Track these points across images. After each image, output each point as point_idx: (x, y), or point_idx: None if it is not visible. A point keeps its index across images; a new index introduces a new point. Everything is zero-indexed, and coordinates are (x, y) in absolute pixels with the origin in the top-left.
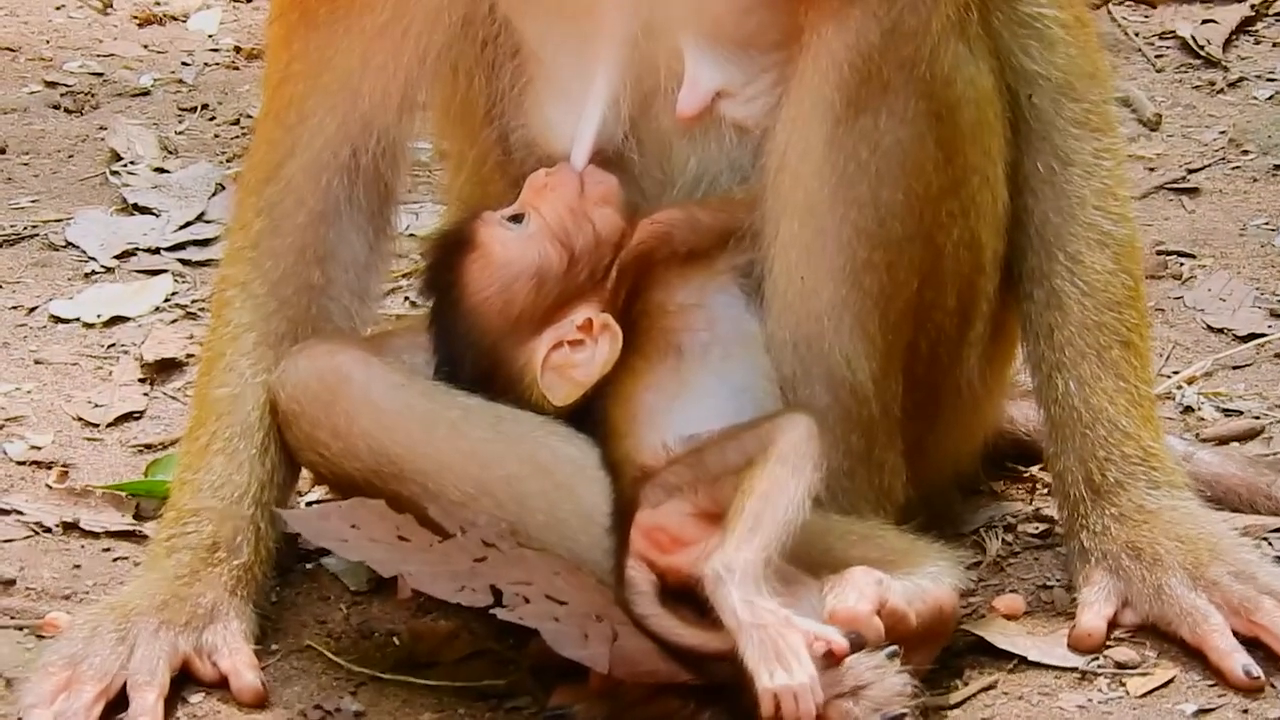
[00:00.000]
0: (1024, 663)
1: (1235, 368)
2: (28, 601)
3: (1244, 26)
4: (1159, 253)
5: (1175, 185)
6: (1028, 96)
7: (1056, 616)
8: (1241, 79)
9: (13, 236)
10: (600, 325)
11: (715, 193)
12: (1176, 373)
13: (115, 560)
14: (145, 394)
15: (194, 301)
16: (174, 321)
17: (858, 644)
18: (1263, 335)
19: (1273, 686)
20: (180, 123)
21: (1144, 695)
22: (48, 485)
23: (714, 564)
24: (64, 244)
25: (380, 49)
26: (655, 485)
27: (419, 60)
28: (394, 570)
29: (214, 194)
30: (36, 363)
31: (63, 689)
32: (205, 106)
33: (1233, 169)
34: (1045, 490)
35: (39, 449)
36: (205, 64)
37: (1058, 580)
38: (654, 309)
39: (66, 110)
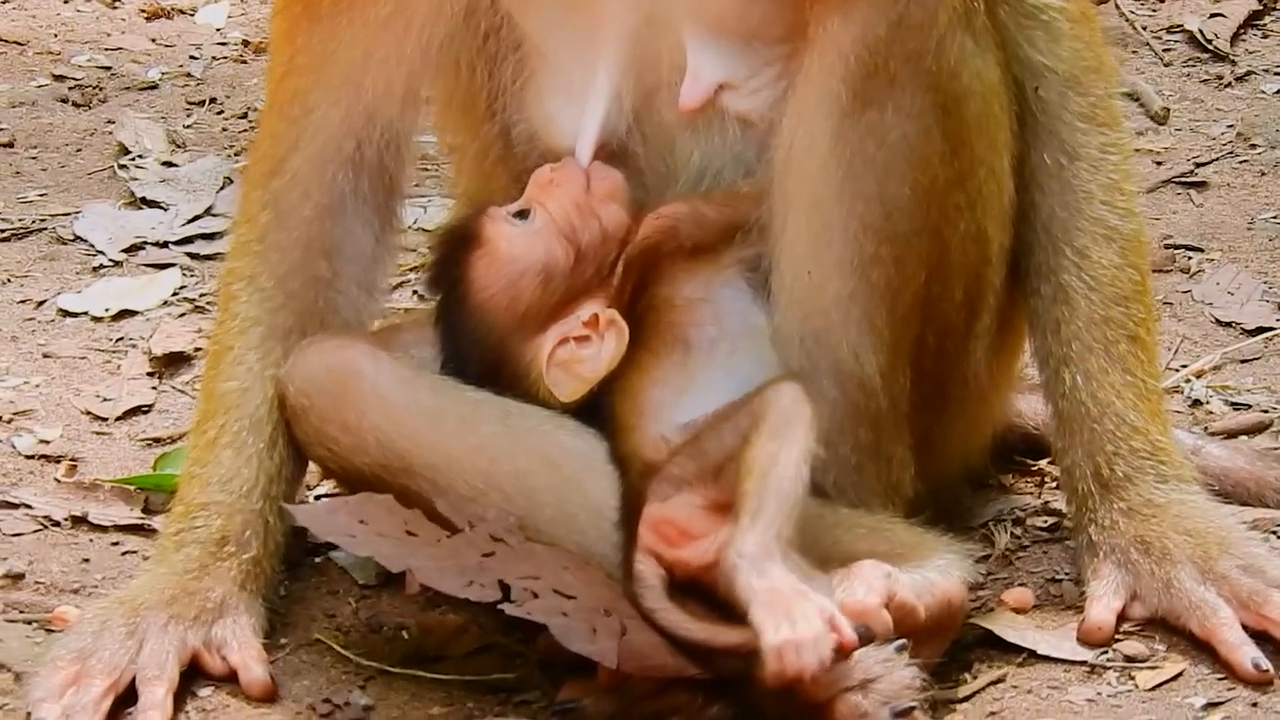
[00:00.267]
0: (1033, 656)
1: (1243, 361)
2: (36, 595)
3: (1252, 20)
4: (1167, 246)
5: (1183, 179)
6: (1034, 89)
7: (1065, 610)
8: (1249, 73)
9: (21, 230)
10: (606, 321)
11: (719, 186)
12: (1185, 366)
13: (124, 554)
14: (153, 388)
15: (202, 295)
16: (182, 315)
17: (866, 637)
18: (1271, 329)
19: None
20: (188, 116)
21: (1153, 689)
22: (56, 479)
23: (729, 555)
24: (72, 238)
25: (383, 42)
26: (662, 479)
27: (422, 53)
28: (402, 565)
29: (222, 188)
30: (45, 356)
31: (72, 683)
32: (213, 100)
33: (1240, 163)
34: (1054, 484)
35: (47, 443)
36: (213, 58)
37: (1066, 574)
38: (660, 304)
39: (74, 104)
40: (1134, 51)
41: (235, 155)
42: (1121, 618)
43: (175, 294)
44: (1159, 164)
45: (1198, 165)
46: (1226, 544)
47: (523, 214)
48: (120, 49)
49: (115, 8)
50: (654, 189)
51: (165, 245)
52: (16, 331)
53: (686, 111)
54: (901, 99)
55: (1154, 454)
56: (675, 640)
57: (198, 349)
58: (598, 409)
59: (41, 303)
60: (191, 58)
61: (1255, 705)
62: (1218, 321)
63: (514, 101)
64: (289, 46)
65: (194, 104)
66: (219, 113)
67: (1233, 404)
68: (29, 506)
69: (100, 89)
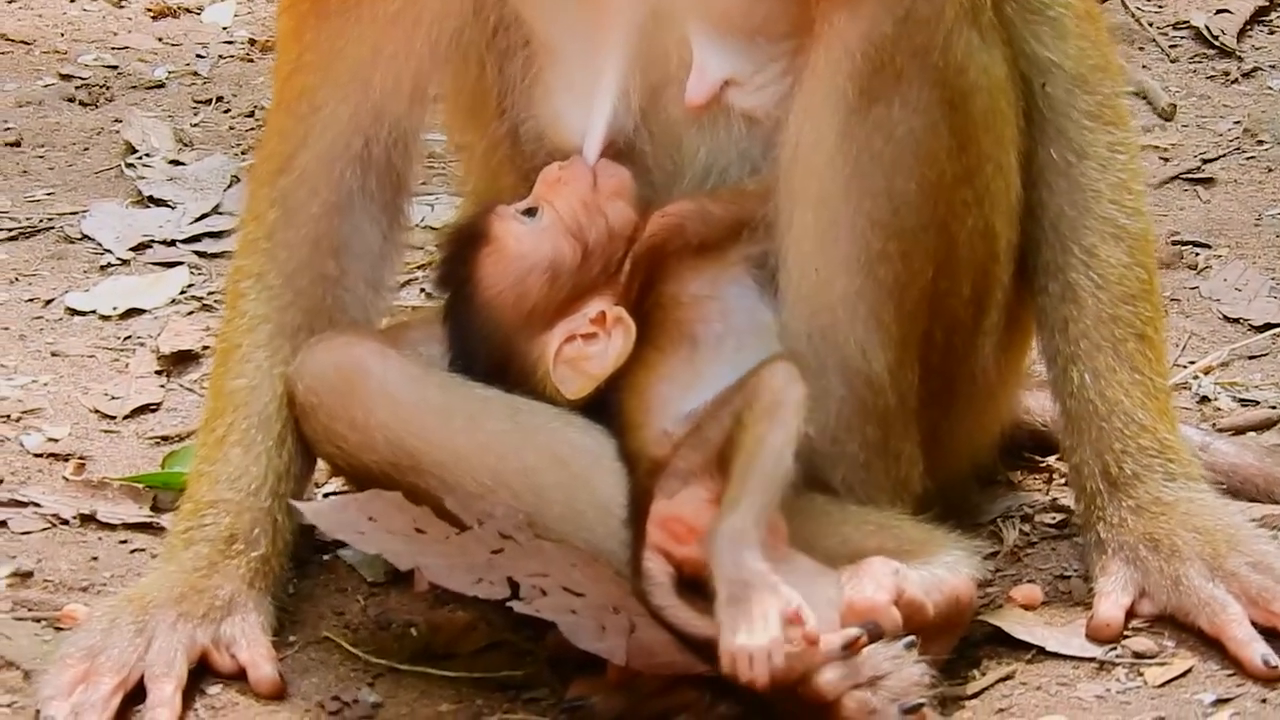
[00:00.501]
0: (1042, 653)
1: (1251, 357)
2: (45, 593)
3: (1258, 16)
4: (1174, 243)
5: (1190, 175)
6: (1041, 85)
7: (1074, 606)
8: (1256, 69)
9: (28, 229)
10: (613, 318)
11: (725, 184)
12: (1193, 362)
13: (133, 552)
14: (162, 386)
15: (210, 293)
16: (190, 313)
17: (875, 634)
18: (1278, 325)
19: None
20: (195, 115)
21: (1162, 685)
22: (65, 477)
23: (710, 534)
24: (79, 236)
25: (392, 38)
26: (669, 475)
27: (431, 49)
28: (411, 562)
29: (229, 186)
30: (53, 355)
31: (81, 681)
32: (220, 99)
33: (1247, 159)
34: (1062, 480)
35: (56, 441)
36: (219, 56)
37: (1075, 570)
38: (667, 301)
39: (81, 103)
40: (1140, 48)
41: (242, 154)
42: (1130, 614)
43: (183, 292)
44: (1166, 160)
45: (1205, 161)
46: (1235, 541)
47: (530, 212)
48: (127, 48)
49: (121, 7)
50: (661, 186)
51: (173, 244)
52: (25, 330)
53: (692, 108)
54: (908, 94)
55: (1162, 452)
56: (684, 637)
57: (205, 347)
58: (605, 406)
59: (49, 301)
60: (198, 56)
61: (1264, 701)
62: (1225, 318)
63: (522, 99)
64: (296, 44)
65: (201, 103)
66: (226, 111)
67: (1241, 400)
68: (38, 505)
69: (107, 88)
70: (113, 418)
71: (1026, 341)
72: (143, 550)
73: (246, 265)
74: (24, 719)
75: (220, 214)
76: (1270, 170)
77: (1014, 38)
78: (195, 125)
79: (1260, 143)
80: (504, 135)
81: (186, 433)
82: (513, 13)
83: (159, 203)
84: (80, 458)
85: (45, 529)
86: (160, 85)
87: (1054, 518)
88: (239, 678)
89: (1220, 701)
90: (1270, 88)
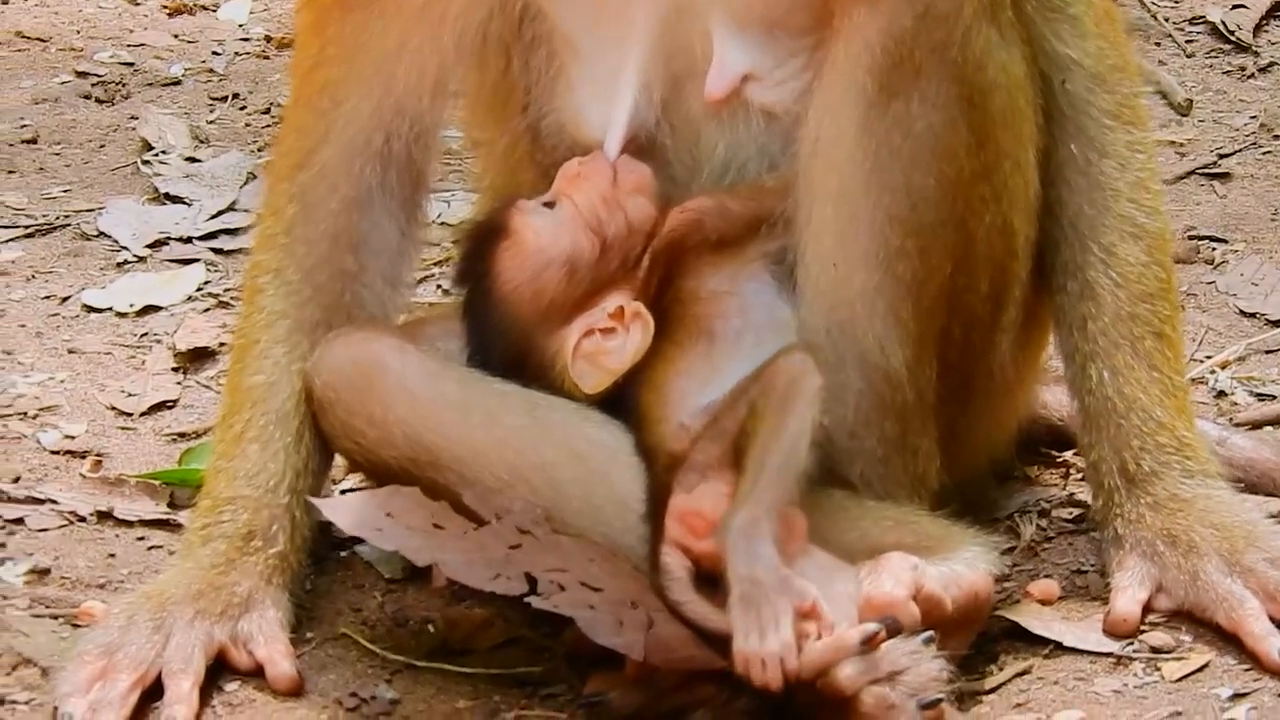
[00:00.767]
0: (1059, 648)
1: (1268, 352)
2: (63, 590)
3: (1274, 11)
4: (1191, 238)
5: (1206, 170)
6: (1061, 82)
7: (1091, 601)
8: (1272, 64)
9: (45, 226)
10: (632, 313)
11: (744, 179)
12: (1209, 357)
13: (150, 549)
14: (178, 383)
15: (226, 290)
16: (206, 310)
17: (894, 629)
18: None
19: None
20: (211, 112)
21: (1179, 680)
22: (82, 475)
23: (722, 526)
24: (96, 233)
25: (418, 31)
26: (687, 469)
27: (456, 42)
28: (429, 559)
29: (245, 183)
30: (70, 352)
31: (98, 678)
32: (236, 96)
33: (1264, 154)
34: (1079, 475)
35: (73, 438)
36: (236, 53)
37: (1092, 565)
38: (686, 296)
39: (98, 100)
40: (1156, 43)
41: (258, 151)
42: (1147, 609)
43: (199, 289)
44: (1182, 155)
45: (1221, 156)
46: (1253, 537)
47: (549, 205)
48: (143, 45)
49: (137, 4)
50: (680, 181)
51: (189, 240)
52: (41, 327)
53: (712, 102)
54: (927, 90)
55: (1180, 449)
56: (702, 632)
57: (222, 344)
58: (623, 401)
59: (66, 299)
60: (214, 53)
61: None
62: (1242, 312)
63: (545, 93)
64: (318, 39)
65: (217, 100)
66: (242, 108)
67: (1257, 395)
68: (55, 502)
69: (123, 85)
70: (130, 415)
71: (1044, 337)
72: (160, 547)
73: (264, 260)
74: (42, 716)
75: (236, 211)
76: None
77: (1033, 35)
78: (211, 122)
79: (1276, 138)
80: (525, 131)
81: (203, 429)
82: (537, 5)
83: (175, 200)
84: (97, 455)
85: (62, 526)
86: (176, 82)
87: (1071, 513)
88: (256, 674)
89: (1237, 696)
90: None
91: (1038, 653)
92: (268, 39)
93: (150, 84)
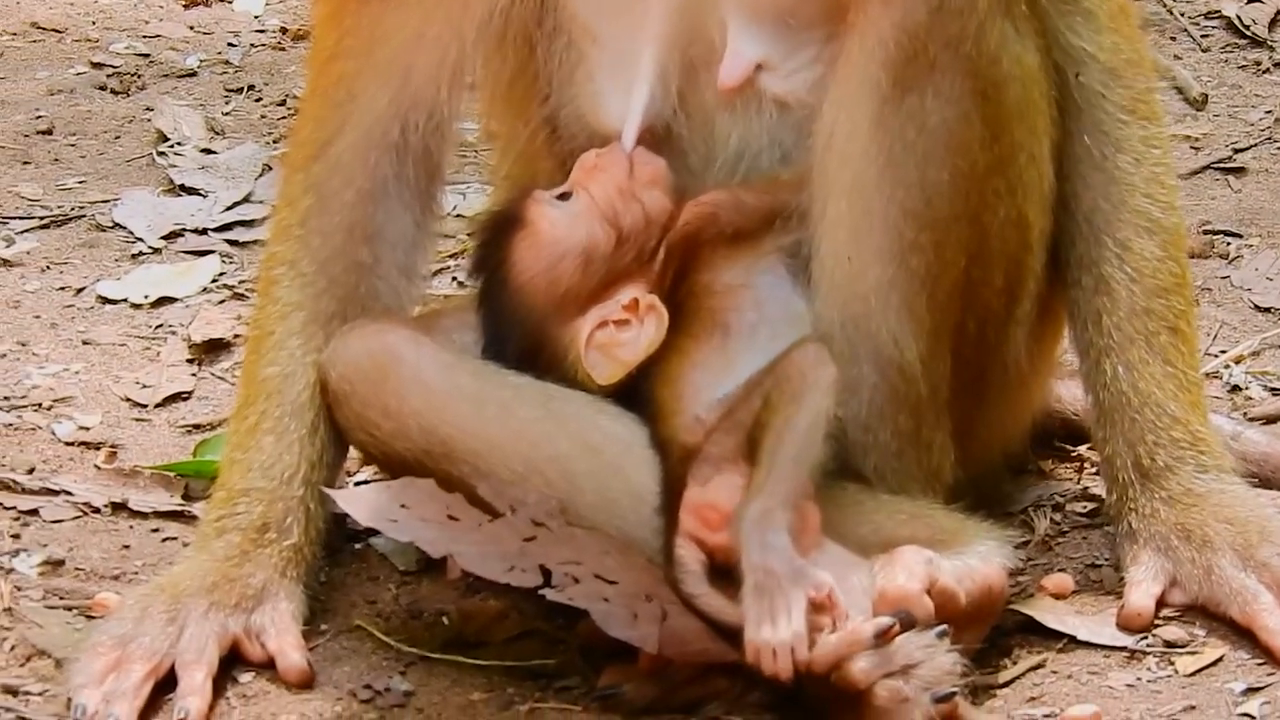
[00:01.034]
0: (1073, 642)
1: None
2: (77, 582)
3: None
4: (1205, 232)
5: (1221, 165)
6: (1075, 75)
7: (1105, 595)
8: None
9: (60, 217)
10: (646, 305)
11: (757, 169)
12: (1224, 352)
13: (164, 541)
14: (193, 374)
15: (241, 282)
16: (221, 302)
17: (908, 623)
18: None
19: None
20: (227, 103)
21: (1193, 674)
22: (96, 466)
23: (736, 517)
24: (111, 225)
25: (437, 21)
26: (702, 461)
27: (477, 33)
28: (443, 550)
29: (261, 175)
30: (84, 343)
31: (112, 669)
32: (251, 87)
33: (1279, 148)
34: (1093, 469)
35: (87, 429)
36: (251, 45)
37: (1106, 559)
38: (700, 289)
39: (113, 91)
40: (1172, 37)
41: (274, 142)
42: (1161, 604)
43: (215, 281)
44: (1197, 150)
45: (1236, 151)
46: (1267, 532)
47: (565, 197)
48: (159, 36)
49: None
50: (695, 172)
51: (204, 232)
52: (56, 319)
53: (725, 90)
54: (941, 85)
55: (1194, 444)
56: (716, 625)
57: (237, 335)
58: (637, 394)
59: (81, 290)
60: (230, 45)
61: None
62: (1256, 307)
63: (564, 82)
64: (335, 29)
65: (232, 91)
66: (257, 100)
67: (1272, 389)
68: (69, 493)
69: (139, 76)
70: (144, 406)
71: (1058, 331)
72: (174, 539)
73: (280, 252)
74: (56, 707)
75: (252, 202)
76: None
77: (1048, 29)
78: (227, 114)
79: None
80: (543, 122)
81: (218, 421)
82: None
83: (190, 191)
84: (112, 446)
85: (77, 517)
86: (192, 74)
87: (1085, 507)
88: (270, 666)
89: (1251, 690)
90: None
91: (1051, 647)
92: (283, 30)
93: (166, 75)
